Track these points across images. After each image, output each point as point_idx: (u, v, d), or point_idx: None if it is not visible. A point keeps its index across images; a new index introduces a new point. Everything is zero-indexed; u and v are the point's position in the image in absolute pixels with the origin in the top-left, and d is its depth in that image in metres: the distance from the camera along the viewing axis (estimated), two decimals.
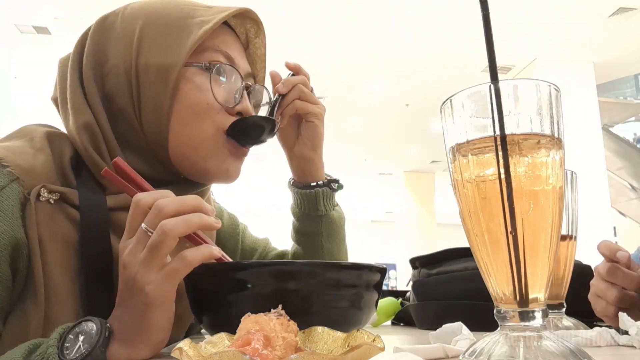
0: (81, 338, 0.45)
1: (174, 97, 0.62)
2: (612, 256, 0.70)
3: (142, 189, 0.54)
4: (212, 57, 0.65)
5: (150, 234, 0.47)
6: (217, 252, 0.50)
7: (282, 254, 0.93)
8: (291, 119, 0.81)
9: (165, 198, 0.49)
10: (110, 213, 0.59)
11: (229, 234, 0.87)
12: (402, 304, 1.10)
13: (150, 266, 0.46)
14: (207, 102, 0.63)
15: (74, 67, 0.65)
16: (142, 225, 0.48)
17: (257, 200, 12.28)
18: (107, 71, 0.63)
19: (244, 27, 0.74)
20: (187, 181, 0.68)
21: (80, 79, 0.64)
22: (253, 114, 0.69)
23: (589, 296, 0.74)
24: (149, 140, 0.64)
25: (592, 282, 0.74)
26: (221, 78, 0.65)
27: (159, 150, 0.64)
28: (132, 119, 0.63)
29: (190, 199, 0.50)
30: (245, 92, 0.68)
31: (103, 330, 0.46)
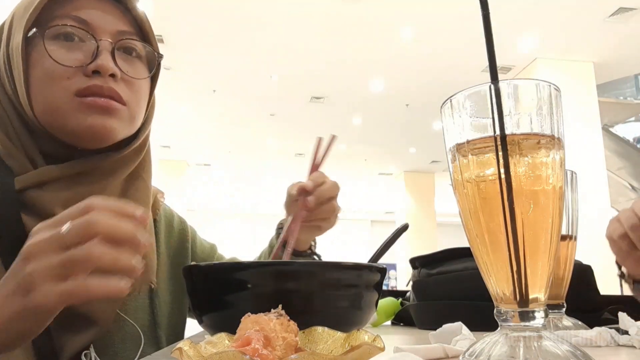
0: None
1: (27, 69, 0.65)
2: None
3: None
4: (58, 23, 0.65)
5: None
6: (125, 285, 0.44)
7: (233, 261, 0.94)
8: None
9: (103, 211, 0.44)
10: (20, 195, 0.62)
11: (178, 241, 0.86)
12: (402, 304, 1.10)
13: (52, 273, 0.42)
14: (52, 67, 0.64)
15: None
16: (67, 225, 0.43)
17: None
18: None
19: None
20: (83, 153, 0.68)
21: None
22: (113, 71, 0.66)
23: (610, 220, 0.76)
24: (32, 118, 0.66)
25: (623, 210, 0.75)
26: (68, 41, 0.66)
27: (40, 124, 0.66)
28: (16, 100, 0.66)
29: (128, 228, 0.44)
30: (104, 51, 0.66)
31: None
